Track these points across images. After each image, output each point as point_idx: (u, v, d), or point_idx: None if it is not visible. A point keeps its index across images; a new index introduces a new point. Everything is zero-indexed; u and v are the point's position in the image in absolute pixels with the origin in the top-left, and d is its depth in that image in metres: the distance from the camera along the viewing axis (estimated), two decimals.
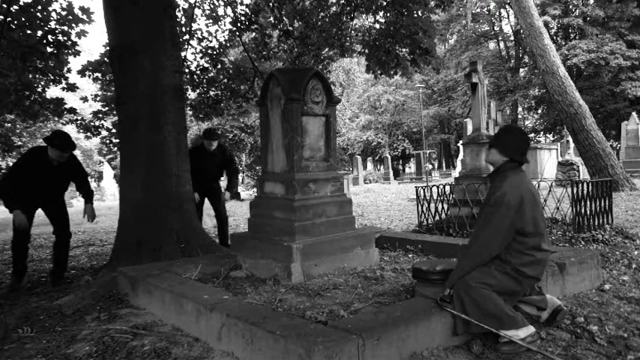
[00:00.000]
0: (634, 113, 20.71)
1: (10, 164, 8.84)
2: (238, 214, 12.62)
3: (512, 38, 36.64)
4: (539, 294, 3.03)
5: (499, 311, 2.68)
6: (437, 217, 6.66)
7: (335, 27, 8.20)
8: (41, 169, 4.77)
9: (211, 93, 8.06)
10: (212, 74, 8.06)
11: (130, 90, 5.06)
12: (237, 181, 6.73)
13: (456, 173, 21.08)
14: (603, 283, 3.86)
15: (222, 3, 8.45)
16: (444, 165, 44.95)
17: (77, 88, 6.77)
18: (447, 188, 6.80)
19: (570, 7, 30.82)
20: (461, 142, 19.99)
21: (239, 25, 8.09)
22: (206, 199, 6.48)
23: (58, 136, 4.78)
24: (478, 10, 36.84)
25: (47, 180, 4.85)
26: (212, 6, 8.44)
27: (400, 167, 47.04)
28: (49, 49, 6.03)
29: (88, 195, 5.13)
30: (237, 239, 4.64)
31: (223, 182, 7.24)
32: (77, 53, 6.52)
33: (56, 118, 7.68)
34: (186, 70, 7.52)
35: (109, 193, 26.93)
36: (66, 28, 6.15)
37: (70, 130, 8.71)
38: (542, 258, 2.85)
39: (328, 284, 3.78)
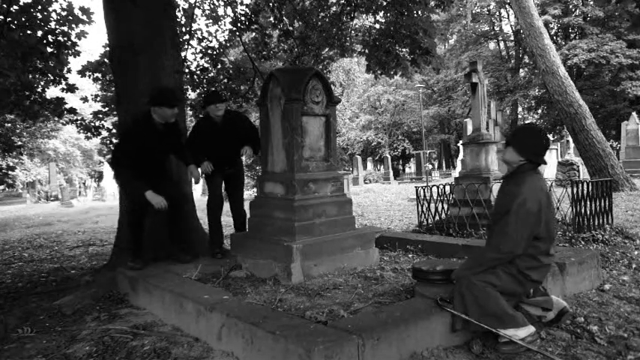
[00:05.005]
0: (634, 113, 20.69)
1: (11, 164, 8.82)
2: None
3: (512, 38, 36.61)
4: (544, 295, 3.00)
5: (500, 310, 2.67)
6: (437, 217, 6.66)
7: (335, 27, 8.20)
8: (150, 137, 4.24)
9: None
10: (212, 74, 8.05)
11: (130, 90, 5.05)
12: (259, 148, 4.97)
13: (455, 173, 21.06)
14: (603, 283, 3.85)
15: (222, 3, 8.44)
16: (443, 165, 44.91)
17: (77, 89, 6.76)
18: (447, 188, 6.80)
19: (570, 7, 30.81)
20: (461, 142, 19.99)
21: (239, 25, 8.09)
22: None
23: (162, 92, 4.28)
24: (478, 10, 36.80)
25: (156, 150, 4.33)
26: (212, 6, 8.44)
27: (400, 167, 47.01)
28: (49, 50, 6.02)
29: (187, 157, 4.68)
30: (237, 239, 4.64)
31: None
32: (77, 54, 6.51)
33: (56, 118, 7.67)
34: (186, 70, 7.52)
35: (109, 193, 26.97)
36: (66, 28, 6.14)
37: (70, 130, 8.69)
38: (548, 263, 2.84)
39: (328, 284, 3.78)
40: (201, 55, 8.03)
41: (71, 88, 6.70)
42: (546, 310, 2.97)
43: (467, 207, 6.13)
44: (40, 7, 5.88)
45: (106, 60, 7.27)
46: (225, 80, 8.12)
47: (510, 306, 2.78)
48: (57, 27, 6.06)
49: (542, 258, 2.78)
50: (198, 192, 23.70)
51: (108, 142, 7.77)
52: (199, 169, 4.95)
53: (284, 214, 4.19)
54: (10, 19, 5.58)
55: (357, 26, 8.78)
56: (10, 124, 9.01)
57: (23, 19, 5.78)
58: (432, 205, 6.73)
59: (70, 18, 6.11)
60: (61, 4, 6.03)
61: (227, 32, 8.42)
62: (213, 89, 6.22)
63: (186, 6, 8.02)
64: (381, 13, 7.99)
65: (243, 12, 8.21)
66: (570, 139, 16.43)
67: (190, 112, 8.53)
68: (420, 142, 35.81)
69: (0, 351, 3.10)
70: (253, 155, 5.10)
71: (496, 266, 2.76)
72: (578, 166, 14.53)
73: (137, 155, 4.21)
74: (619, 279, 3.99)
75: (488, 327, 2.66)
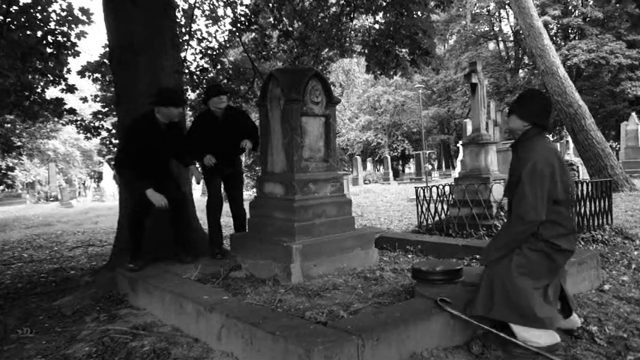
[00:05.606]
0: (633, 113, 20.71)
1: (10, 164, 8.82)
2: None
3: (511, 39, 36.63)
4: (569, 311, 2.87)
5: (528, 308, 2.56)
6: (436, 218, 6.66)
7: (335, 27, 8.20)
8: (154, 137, 4.23)
9: None
10: (212, 75, 8.06)
11: (130, 90, 5.05)
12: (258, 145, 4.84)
13: (455, 174, 21.07)
14: (603, 284, 3.85)
15: (222, 3, 8.45)
16: (443, 165, 44.88)
17: (76, 89, 6.76)
18: (447, 189, 6.80)
19: (570, 7, 30.85)
20: (460, 142, 20.00)
21: (239, 25, 8.09)
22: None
23: (168, 91, 4.32)
24: (478, 10, 36.83)
25: (161, 150, 4.33)
26: (212, 6, 8.44)
27: (400, 168, 47.00)
28: (48, 50, 6.03)
29: (187, 159, 4.68)
30: (236, 239, 4.64)
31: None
32: (77, 54, 6.51)
33: (56, 119, 7.67)
34: (186, 71, 7.52)
35: (108, 193, 26.94)
36: (65, 29, 6.15)
37: (70, 130, 8.69)
38: (573, 229, 2.74)
39: (328, 285, 3.78)
40: (200, 55, 8.04)
41: (71, 89, 6.70)
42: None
43: (466, 207, 6.13)
44: (39, 8, 5.89)
45: (105, 60, 7.27)
46: (225, 80, 8.12)
47: (543, 302, 2.62)
48: (56, 27, 6.07)
49: (566, 223, 2.67)
50: (198, 192, 23.68)
51: (108, 142, 7.77)
52: (199, 168, 4.92)
53: (284, 215, 4.19)
54: (9, 19, 5.59)
55: (356, 27, 8.77)
56: (9, 125, 9.01)
57: (23, 20, 5.78)
58: (432, 206, 6.73)
59: (70, 18, 6.11)
60: (60, 5, 6.03)
61: (227, 33, 8.43)
62: (215, 83, 6.20)
63: (186, 6, 8.03)
64: (381, 14, 7.99)
65: (242, 12, 8.21)
66: (570, 139, 16.43)
67: (190, 113, 8.54)
68: (420, 142, 35.80)
69: (0, 352, 3.11)
70: (252, 151, 5.00)
71: (521, 244, 2.65)
72: (577, 167, 14.53)
73: (141, 155, 4.20)
74: (619, 279, 4.00)
75: (487, 327, 2.65)
